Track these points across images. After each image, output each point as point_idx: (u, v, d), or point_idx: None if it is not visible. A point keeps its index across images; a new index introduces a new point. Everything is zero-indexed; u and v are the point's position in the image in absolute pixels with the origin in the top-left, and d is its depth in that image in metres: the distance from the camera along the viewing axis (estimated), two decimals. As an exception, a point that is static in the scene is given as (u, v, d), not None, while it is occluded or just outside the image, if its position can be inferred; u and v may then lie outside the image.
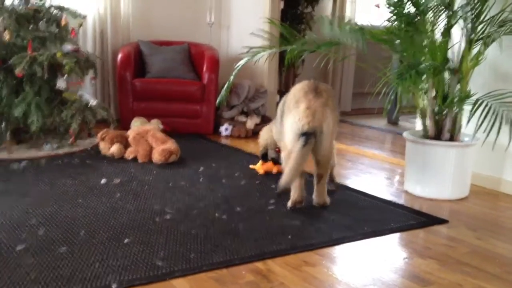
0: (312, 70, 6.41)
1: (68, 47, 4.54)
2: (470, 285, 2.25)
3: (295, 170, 2.88)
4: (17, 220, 2.77)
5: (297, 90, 3.05)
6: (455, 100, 3.37)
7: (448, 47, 3.45)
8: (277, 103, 5.49)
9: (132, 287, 2.13)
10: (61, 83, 4.36)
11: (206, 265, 2.33)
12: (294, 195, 3.09)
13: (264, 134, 3.81)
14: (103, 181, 3.52)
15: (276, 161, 3.77)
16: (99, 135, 4.23)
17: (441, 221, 3.01)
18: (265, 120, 5.46)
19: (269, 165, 3.84)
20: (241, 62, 3.66)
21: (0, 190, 3.26)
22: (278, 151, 3.65)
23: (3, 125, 4.36)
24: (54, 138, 4.45)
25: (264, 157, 3.85)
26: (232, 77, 3.73)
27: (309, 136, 2.88)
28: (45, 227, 2.69)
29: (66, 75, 4.38)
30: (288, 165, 2.90)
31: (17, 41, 4.40)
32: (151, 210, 3.01)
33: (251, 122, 5.25)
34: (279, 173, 3.73)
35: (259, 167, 3.86)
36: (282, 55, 5.37)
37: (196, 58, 5.57)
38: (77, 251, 2.41)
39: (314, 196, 3.16)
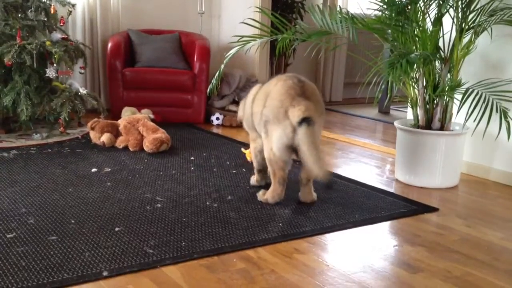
0: (303, 60, 6.41)
1: (57, 35, 4.51)
2: (459, 272, 2.27)
3: (319, 157, 2.71)
4: (6, 209, 2.76)
5: (282, 94, 2.81)
6: (446, 89, 3.38)
7: (439, 37, 3.46)
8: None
9: (123, 274, 2.13)
10: (50, 72, 4.32)
11: (197, 253, 2.34)
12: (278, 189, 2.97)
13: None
14: (93, 170, 3.50)
15: None
16: (89, 124, 4.21)
17: (431, 209, 3.03)
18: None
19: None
20: (232, 51, 3.64)
21: (-11, 179, 3.24)
22: None
23: (-9, 114, 4.34)
24: (44, 127, 4.44)
25: None
26: (222, 66, 3.71)
27: (308, 119, 2.72)
28: (34, 216, 2.68)
29: (55, 64, 4.34)
30: (310, 157, 2.70)
31: (6, 29, 4.37)
32: (142, 199, 3.00)
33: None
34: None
35: (248, 153, 3.84)
36: (273, 45, 5.35)
37: (186, 47, 5.54)
38: (68, 240, 2.41)
39: (300, 196, 3.04)
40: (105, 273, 2.12)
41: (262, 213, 2.85)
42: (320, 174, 2.72)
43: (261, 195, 3.04)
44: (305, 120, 2.72)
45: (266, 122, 2.89)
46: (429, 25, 3.48)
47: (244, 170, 3.64)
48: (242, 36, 3.60)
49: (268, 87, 2.99)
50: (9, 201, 2.88)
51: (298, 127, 2.73)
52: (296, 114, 2.75)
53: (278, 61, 6.44)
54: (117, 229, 2.56)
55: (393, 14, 3.38)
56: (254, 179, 3.33)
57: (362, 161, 4.13)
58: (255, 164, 3.28)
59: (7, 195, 2.98)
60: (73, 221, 2.63)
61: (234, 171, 3.61)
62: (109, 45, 5.15)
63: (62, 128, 4.39)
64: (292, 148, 2.84)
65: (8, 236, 2.42)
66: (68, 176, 3.37)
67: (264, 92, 2.99)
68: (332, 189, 3.06)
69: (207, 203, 2.97)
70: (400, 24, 3.39)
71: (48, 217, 2.68)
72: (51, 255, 2.25)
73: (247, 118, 3.21)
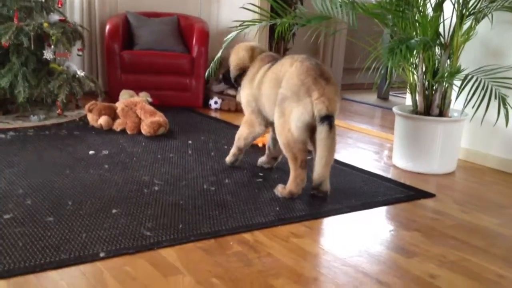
0: (302, 44, 6.37)
1: (55, 17, 4.48)
2: (454, 257, 2.29)
3: (328, 161, 2.75)
4: (3, 190, 2.76)
5: (302, 73, 2.78)
6: (445, 75, 3.37)
7: (439, 22, 3.44)
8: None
9: (119, 256, 2.13)
10: (48, 54, 4.30)
11: (194, 236, 2.34)
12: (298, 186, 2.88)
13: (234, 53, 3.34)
14: (91, 152, 3.50)
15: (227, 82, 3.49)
16: (86, 106, 4.19)
17: (428, 195, 3.04)
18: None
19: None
20: (231, 35, 3.62)
21: (-13, 161, 3.23)
22: None
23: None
24: (41, 109, 4.42)
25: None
26: (221, 50, 3.69)
27: (331, 119, 2.72)
28: (32, 197, 2.68)
29: (53, 46, 4.32)
30: (320, 157, 2.73)
31: (3, 11, 4.33)
32: (139, 182, 3.00)
33: (240, 96, 5.22)
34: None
35: (259, 138, 3.81)
36: (272, 29, 5.32)
37: (185, 30, 5.50)
38: (65, 221, 2.41)
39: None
40: (102, 254, 2.12)
41: (259, 197, 2.85)
42: (317, 176, 2.77)
43: (281, 190, 2.87)
44: (328, 119, 2.71)
45: (283, 100, 2.81)
46: (429, 11, 3.46)
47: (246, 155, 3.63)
48: (243, 21, 3.58)
49: (280, 68, 2.92)
50: (7, 183, 2.87)
51: (321, 122, 2.71)
52: (319, 106, 2.71)
53: (277, 46, 6.41)
54: (114, 211, 2.56)
55: (394, -1, 3.36)
56: (228, 157, 3.38)
57: (360, 147, 4.13)
58: (240, 146, 3.29)
59: (5, 176, 2.98)
60: (70, 203, 2.63)
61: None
62: (107, 27, 5.12)
63: (59, 110, 4.38)
64: (311, 129, 2.79)
65: (5, 217, 2.42)
66: (66, 158, 3.36)
67: (276, 73, 2.93)
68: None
69: (205, 186, 2.98)
70: (401, 9, 3.37)
71: (45, 198, 2.68)
72: (48, 236, 2.26)
73: (252, 100, 3.14)
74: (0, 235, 2.24)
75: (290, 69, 2.85)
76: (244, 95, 3.23)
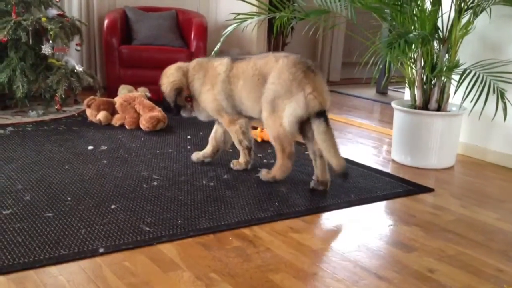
0: (301, 39, 6.37)
1: (53, 11, 4.47)
2: (453, 251, 2.29)
3: (337, 149, 2.78)
4: (2, 186, 2.76)
5: (291, 67, 2.80)
6: (444, 69, 3.37)
7: (438, 16, 3.43)
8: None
9: (119, 251, 2.14)
10: (46, 49, 4.28)
11: (193, 231, 2.35)
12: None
13: (171, 74, 3.21)
14: (90, 147, 3.50)
15: (177, 109, 3.22)
16: (85, 101, 4.19)
17: (427, 190, 3.04)
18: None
19: (256, 132, 3.82)
20: (229, 29, 3.61)
21: (-15, 156, 3.23)
22: (188, 100, 3.21)
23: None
24: (40, 105, 4.41)
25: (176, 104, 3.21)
26: (219, 45, 3.69)
27: (325, 114, 2.77)
28: (31, 192, 2.68)
29: (51, 41, 4.31)
30: (328, 151, 2.75)
31: (1, 5, 4.32)
32: (138, 177, 3.00)
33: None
34: (264, 142, 3.75)
35: (258, 134, 3.82)
36: (271, 23, 5.31)
37: (183, 25, 5.49)
38: (64, 217, 2.41)
39: (320, 173, 2.94)
40: (101, 250, 2.13)
41: (258, 192, 2.86)
42: (338, 166, 2.76)
43: (265, 174, 3.00)
44: (323, 115, 2.75)
45: (275, 96, 2.82)
46: (428, 5, 3.45)
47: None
48: (239, 14, 3.57)
49: (263, 64, 2.90)
50: (6, 178, 2.87)
51: (315, 118, 2.75)
52: (313, 103, 2.74)
53: (276, 40, 6.40)
54: (113, 206, 2.56)
55: (392, -7, 3.35)
56: (241, 162, 3.20)
57: (359, 142, 4.13)
58: (245, 143, 3.15)
59: (4, 171, 2.97)
60: (69, 198, 2.63)
61: (231, 150, 3.60)
62: (106, 22, 5.10)
63: (58, 105, 4.37)
64: (302, 122, 2.81)
65: (4, 212, 2.42)
66: (65, 154, 3.36)
67: (259, 69, 2.90)
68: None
69: (204, 181, 2.98)
70: (399, 3, 3.36)
71: (44, 194, 2.68)
72: (47, 231, 2.26)
73: (222, 99, 3.04)
74: (-1, 231, 2.24)
75: (277, 64, 2.86)
76: (209, 99, 3.10)
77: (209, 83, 3.08)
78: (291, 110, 2.78)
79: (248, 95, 2.96)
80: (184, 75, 3.17)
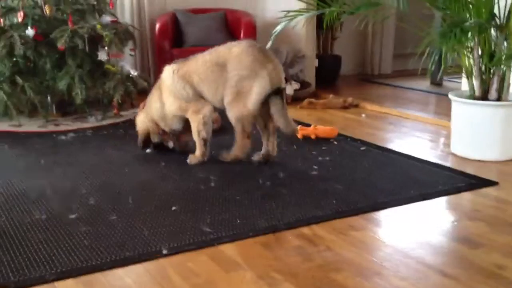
0: (350, 32, 6.29)
1: (107, 18, 4.58)
2: (522, 247, 2.21)
3: (289, 120, 3.15)
4: (68, 191, 2.86)
5: (249, 51, 3.06)
6: (503, 58, 3.25)
7: (494, 3, 3.31)
8: (302, 70, 5.42)
9: (181, 252, 2.18)
10: (102, 55, 4.41)
11: (252, 231, 2.36)
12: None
13: (139, 122, 3.50)
14: (148, 150, 3.57)
15: (161, 146, 3.49)
16: (141, 105, 4.27)
17: (490, 183, 2.94)
18: (305, 85, 5.41)
19: (309, 130, 3.81)
20: (279, 27, 3.61)
21: (50, 162, 3.36)
22: (162, 134, 3.45)
23: (48, 98, 4.47)
24: (98, 110, 4.54)
25: (147, 145, 3.50)
26: (270, 43, 3.68)
27: (282, 92, 3.10)
28: (94, 196, 2.77)
29: (106, 47, 4.42)
30: (285, 119, 3.11)
31: (58, 15, 4.46)
32: (195, 178, 3.05)
33: (290, 88, 5.20)
34: (318, 139, 3.73)
35: (311, 131, 3.79)
36: (319, 18, 5.26)
37: (232, 25, 5.52)
38: (127, 219, 2.48)
39: (268, 146, 3.29)
40: (164, 251, 2.17)
41: (314, 190, 2.84)
42: (289, 132, 3.20)
43: (227, 156, 3.25)
44: (280, 92, 3.07)
45: (240, 80, 3.05)
46: (484, -9, 3.33)
47: (295, 147, 3.63)
48: (289, 11, 3.56)
49: (216, 55, 3.15)
50: (70, 183, 2.98)
51: (274, 94, 3.06)
52: (275, 80, 3.06)
53: (325, 35, 6.34)
54: (173, 208, 2.61)
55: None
56: (197, 155, 3.29)
57: (415, 135, 4.04)
58: (203, 134, 3.25)
59: (68, 176, 3.08)
60: (131, 201, 2.70)
61: (285, 149, 3.60)
62: (157, 25, 5.20)
63: (115, 110, 4.49)
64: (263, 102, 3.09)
65: (70, 216, 2.51)
66: (124, 157, 3.45)
67: (215, 60, 3.13)
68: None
69: (260, 180, 2.99)
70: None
71: (107, 197, 2.76)
72: (112, 234, 2.33)
73: (181, 89, 3.23)
74: (67, 234, 2.33)
75: (232, 52, 3.11)
76: (170, 102, 3.30)
77: (165, 93, 3.32)
78: (259, 88, 3.03)
79: (210, 84, 3.17)
80: (150, 120, 3.42)
